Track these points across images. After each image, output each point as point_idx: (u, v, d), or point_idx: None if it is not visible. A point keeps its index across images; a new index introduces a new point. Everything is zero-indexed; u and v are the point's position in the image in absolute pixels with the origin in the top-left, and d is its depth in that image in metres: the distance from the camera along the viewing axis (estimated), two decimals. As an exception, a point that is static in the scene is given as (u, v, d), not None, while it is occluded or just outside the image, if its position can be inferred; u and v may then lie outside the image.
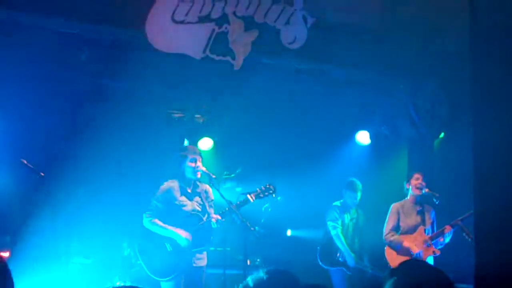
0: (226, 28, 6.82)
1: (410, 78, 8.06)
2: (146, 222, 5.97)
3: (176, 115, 8.13)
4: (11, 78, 6.67)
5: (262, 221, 7.59)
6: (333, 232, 7.36)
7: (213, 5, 6.71)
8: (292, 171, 8.43)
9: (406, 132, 8.48)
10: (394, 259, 6.83)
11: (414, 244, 6.85)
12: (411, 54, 7.64)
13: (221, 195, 5.89)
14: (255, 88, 7.58)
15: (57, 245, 6.49)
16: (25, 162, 6.03)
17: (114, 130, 7.46)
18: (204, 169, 6.01)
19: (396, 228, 7.04)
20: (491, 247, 3.05)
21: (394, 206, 7.14)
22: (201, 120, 8.31)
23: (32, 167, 6.04)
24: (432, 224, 7.07)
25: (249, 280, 2.58)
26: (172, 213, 5.98)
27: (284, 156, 8.68)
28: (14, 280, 2.43)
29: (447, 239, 6.83)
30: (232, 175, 7.72)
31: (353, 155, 8.86)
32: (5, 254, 6.24)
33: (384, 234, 7.04)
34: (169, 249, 5.90)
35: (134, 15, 6.46)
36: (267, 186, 6.03)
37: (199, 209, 6.04)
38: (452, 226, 6.76)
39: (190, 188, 6.11)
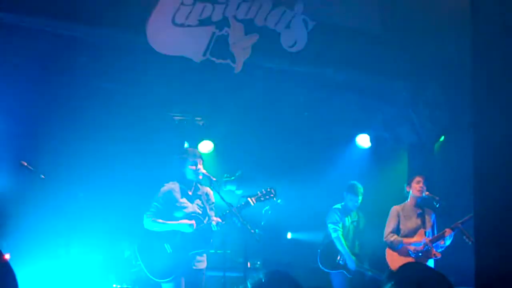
0: (226, 31, 6.83)
1: (410, 81, 8.07)
2: (147, 222, 5.97)
3: (177, 118, 8.14)
4: (11, 80, 6.68)
5: (263, 223, 7.59)
6: (333, 235, 7.36)
7: (214, 8, 6.73)
8: (292, 173, 8.44)
9: (406, 136, 8.49)
10: (394, 261, 6.83)
11: (415, 245, 6.86)
12: (411, 57, 7.65)
13: (222, 198, 5.89)
14: (255, 91, 7.59)
15: (57, 246, 6.50)
16: (25, 164, 6.05)
17: (115, 133, 7.47)
18: (204, 171, 6.01)
19: (397, 231, 7.03)
20: (492, 250, 3.05)
21: (394, 209, 7.14)
22: (201, 123, 8.31)
23: (32, 169, 6.05)
24: (432, 227, 7.07)
25: (248, 283, 2.58)
26: (172, 214, 5.99)
27: (284, 159, 8.69)
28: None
29: (448, 242, 6.83)
30: (233, 177, 7.71)
31: (354, 158, 8.86)
32: (6, 256, 6.23)
33: (384, 235, 7.04)
34: (168, 251, 5.91)
35: (135, 18, 6.47)
36: (268, 190, 6.04)
37: (200, 212, 6.04)
38: (452, 229, 6.76)
39: (191, 190, 6.12)
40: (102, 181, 7.27)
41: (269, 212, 7.54)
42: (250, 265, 7.50)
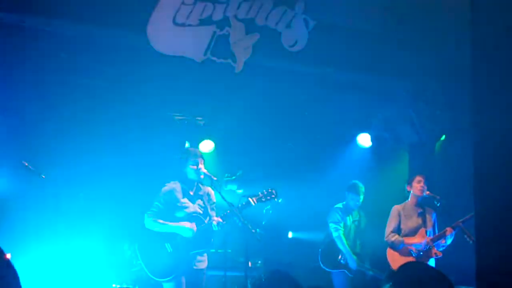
0: (227, 31, 6.83)
1: (410, 81, 8.07)
2: (148, 221, 5.98)
3: (178, 118, 8.14)
4: (11, 80, 6.69)
5: (264, 223, 7.60)
6: (335, 234, 7.37)
7: (214, 8, 6.73)
8: (293, 173, 8.45)
9: (407, 135, 8.49)
10: (396, 261, 6.83)
11: (416, 246, 6.86)
12: (411, 57, 7.65)
13: (223, 197, 5.90)
14: (256, 91, 7.59)
15: (57, 246, 6.51)
16: (26, 164, 6.05)
17: (116, 132, 7.48)
18: (205, 171, 6.02)
19: (398, 230, 7.04)
20: (492, 249, 3.06)
21: (395, 209, 7.14)
22: (202, 123, 8.32)
23: (33, 169, 6.06)
24: (433, 226, 7.07)
25: (249, 283, 2.59)
26: (173, 214, 5.99)
27: (285, 158, 8.70)
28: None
29: (449, 241, 6.83)
30: (233, 177, 7.73)
31: (354, 157, 8.87)
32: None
33: (385, 235, 7.04)
34: (169, 250, 5.91)
35: (136, 17, 6.47)
36: (269, 191, 6.04)
37: (201, 212, 6.04)
38: (453, 228, 6.76)
39: (192, 190, 6.12)
40: (103, 180, 7.28)
41: (270, 211, 7.56)
42: (251, 264, 7.50)
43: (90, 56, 6.65)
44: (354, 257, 7.30)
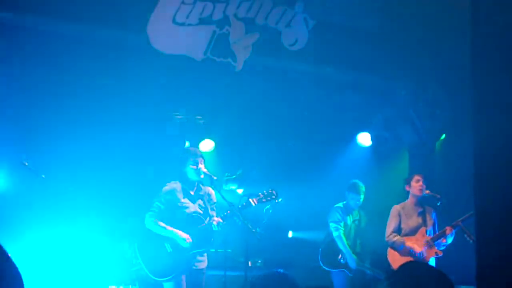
0: (227, 30, 6.84)
1: (410, 81, 8.08)
2: (148, 222, 5.98)
3: (178, 117, 8.14)
4: (11, 79, 6.68)
5: (264, 222, 7.60)
6: (335, 234, 7.37)
7: (214, 7, 6.73)
8: (293, 172, 8.45)
9: (407, 135, 8.49)
10: (396, 261, 6.83)
11: (417, 245, 6.86)
12: (412, 57, 7.65)
13: (223, 197, 5.90)
14: (256, 90, 7.59)
15: (57, 245, 6.51)
16: (26, 164, 6.05)
17: (116, 132, 7.47)
18: (205, 170, 6.01)
19: (398, 230, 7.04)
20: (493, 248, 3.05)
21: (395, 208, 7.14)
22: (202, 122, 8.32)
23: (33, 169, 6.06)
24: (433, 225, 7.07)
25: (248, 284, 2.60)
26: (174, 214, 5.99)
27: (285, 158, 8.70)
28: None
29: (450, 240, 6.83)
30: (234, 176, 7.73)
31: (354, 156, 8.87)
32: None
33: (386, 235, 7.05)
34: (169, 250, 5.91)
35: (136, 17, 6.47)
36: (270, 191, 6.03)
37: (201, 212, 6.04)
38: (453, 227, 6.76)
39: (193, 190, 6.12)
40: (103, 180, 7.28)
41: (270, 211, 7.54)
42: (251, 264, 7.51)
43: (90, 56, 6.65)
44: (354, 256, 7.30)
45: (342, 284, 7.37)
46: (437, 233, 6.95)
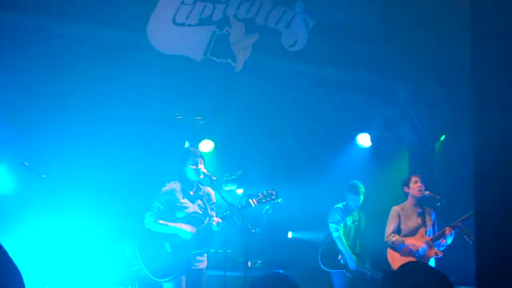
0: (227, 30, 6.84)
1: (410, 81, 8.07)
2: (148, 221, 5.98)
3: (177, 118, 8.14)
4: (11, 79, 6.69)
5: (264, 222, 7.59)
6: (335, 234, 7.37)
7: (214, 7, 6.73)
8: (293, 173, 8.44)
9: (407, 135, 8.49)
10: (396, 261, 6.83)
11: (417, 244, 6.86)
12: (412, 57, 7.65)
13: (222, 197, 5.90)
14: (256, 91, 7.59)
15: (57, 246, 6.50)
16: (26, 164, 6.05)
17: (116, 132, 7.48)
18: (205, 171, 6.01)
19: (397, 231, 7.03)
20: (492, 248, 3.05)
21: (394, 209, 7.13)
22: (202, 122, 8.32)
23: (33, 169, 6.06)
24: (433, 225, 7.07)
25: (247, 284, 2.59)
26: (173, 214, 5.99)
27: (285, 158, 8.70)
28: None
29: (449, 241, 6.83)
30: (233, 177, 7.72)
31: (354, 157, 8.87)
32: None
33: (385, 236, 7.04)
34: (168, 250, 5.91)
35: (136, 17, 6.47)
36: (269, 192, 6.03)
37: (201, 212, 6.04)
38: (452, 228, 6.76)
39: (192, 190, 6.12)
40: (103, 180, 7.28)
41: (270, 211, 7.54)
42: (250, 264, 7.51)
43: (90, 56, 6.65)
44: (354, 257, 7.30)
45: (342, 285, 7.38)
46: (436, 233, 6.94)
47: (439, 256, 6.82)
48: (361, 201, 7.44)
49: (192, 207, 6.04)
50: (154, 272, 5.90)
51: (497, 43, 3.04)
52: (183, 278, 5.92)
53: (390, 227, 7.04)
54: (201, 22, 6.72)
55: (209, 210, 6.08)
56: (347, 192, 7.48)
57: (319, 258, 7.50)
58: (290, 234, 9.29)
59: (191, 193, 6.10)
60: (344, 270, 7.33)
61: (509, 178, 2.99)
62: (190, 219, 5.97)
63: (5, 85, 6.69)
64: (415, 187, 7.02)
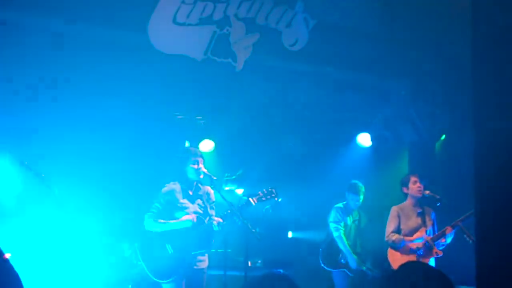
0: (227, 30, 6.84)
1: (411, 80, 8.08)
2: (148, 222, 5.98)
3: (178, 117, 8.14)
4: (11, 79, 6.69)
5: (264, 222, 7.60)
6: (335, 234, 7.37)
7: (215, 7, 6.73)
8: (293, 172, 8.44)
9: (407, 134, 8.49)
10: (396, 260, 6.82)
11: (417, 241, 6.86)
12: (411, 57, 7.65)
13: (222, 197, 5.90)
14: (256, 90, 7.59)
15: (57, 246, 6.50)
16: (26, 163, 6.05)
17: (116, 131, 7.48)
18: (205, 171, 6.01)
19: (397, 231, 7.02)
20: (492, 248, 3.05)
21: (394, 209, 7.12)
22: (202, 122, 8.32)
23: (33, 169, 6.06)
24: (433, 225, 7.06)
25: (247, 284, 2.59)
26: (173, 215, 5.99)
27: (285, 158, 8.69)
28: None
29: (449, 240, 6.82)
30: (233, 176, 7.73)
31: (354, 157, 8.86)
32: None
33: (385, 235, 7.03)
34: (170, 251, 5.91)
35: (136, 17, 6.47)
36: (269, 190, 6.03)
37: (201, 212, 6.04)
38: (452, 227, 6.75)
39: (192, 190, 6.12)
40: (103, 180, 7.28)
41: (270, 211, 7.55)
42: (250, 264, 7.51)
43: (90, 55, 6.65)
44: (355, 256, 7.30)
45: (342, 284, 7.38)
46: (436, 233, 6.94)
47: (439, 256, 6.82)
48: (361, 201, 7.44)
49: (192, 207, 6.04)
50: (155, 273, 5.90)
51: (497, 43, 3.04)
52: (184, 279, 5.92)
53: (390, 227, 7.03)
54: (202, 22, 6.72)
55: (208, 209, 6.08)
56: (347, 192, 7.49)
57: (320, 258, 7.51)
58: (290, 234, 9.29)
59: (190, 193, 6.10)
60: (345, 270, 7.34)
61: (509, 178, 2.99)
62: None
63: (5, 85, 6.69)
64: (415, 187, 7.01)
